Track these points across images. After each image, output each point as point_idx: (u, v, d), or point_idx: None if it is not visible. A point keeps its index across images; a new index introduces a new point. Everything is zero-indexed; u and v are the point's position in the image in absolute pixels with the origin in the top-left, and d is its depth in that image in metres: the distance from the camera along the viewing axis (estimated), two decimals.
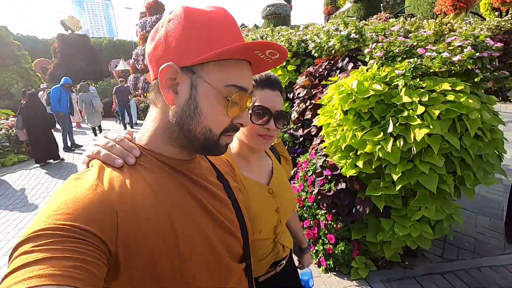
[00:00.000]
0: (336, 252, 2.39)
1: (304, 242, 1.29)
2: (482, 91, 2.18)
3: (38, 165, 6.23)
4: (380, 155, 1.93)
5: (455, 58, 1.87)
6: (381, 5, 14.05)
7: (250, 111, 0.90)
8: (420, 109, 1.83)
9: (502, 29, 6.56)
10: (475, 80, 1.96)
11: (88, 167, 0.54)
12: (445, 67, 1.92)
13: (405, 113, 1.91)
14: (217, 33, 0.52)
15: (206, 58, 0.50)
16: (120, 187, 0.49)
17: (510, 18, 6.69)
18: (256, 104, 0.92)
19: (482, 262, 2.42)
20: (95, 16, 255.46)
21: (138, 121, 10.77)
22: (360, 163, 2.06)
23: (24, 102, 6.20)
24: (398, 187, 1.93)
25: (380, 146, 1.94)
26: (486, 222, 2.92)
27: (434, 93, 1.90)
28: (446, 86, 1.85)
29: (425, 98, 1.85)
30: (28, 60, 18.89)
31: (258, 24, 30.47)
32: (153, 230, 0.49)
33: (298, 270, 1.25)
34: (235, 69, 0.54)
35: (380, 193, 2.04)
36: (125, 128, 9.64)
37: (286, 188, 1.08)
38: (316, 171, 2.45)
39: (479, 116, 1.79)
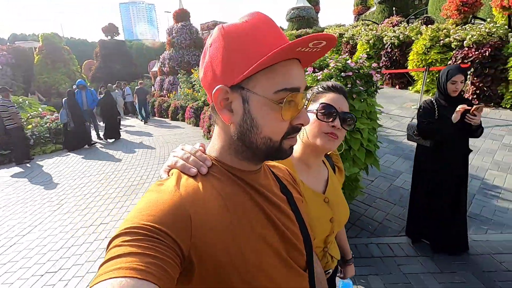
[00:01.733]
0: None
1: (349, 254, 1.29)
2: (361, 100, 2.71)
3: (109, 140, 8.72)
4: None
5: (319, 77, 2.48)
6: (394, 8, 13.92)
7: (316, 110, 0.95)
8: None
9: (493, 35, 6.60)
10: None
11: (168, 175, 0.59)
12: (314, 84, 2.53)
13: None
14: (256, 43, 0.53)
15: (249, 72, 0.51)
16: (194, 194, 0.52)
17: (501, 25, 6.71)
18: (321, 102, 0.96)
19: (372, 240, 2.96)
20: (139, 19, 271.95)
21: (155, 118, 12.08)
22: None
23: (101, 96, 8.73)
24: None
25: None
26: (399, 212, 3.39)
27: None
28: None
29: None
30: (75, 63, 21.42)
31: (284, 27, 30.95)
32: (220, 238, 0.51)
33: (339, 279, 1.28)
34: (282, 72, 0.54)
35: None
36: (145, 123, 10.96)
37: (341, 199, 1.09)
38: None
39: None
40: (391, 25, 11.52)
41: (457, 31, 7.30)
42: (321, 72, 2.55)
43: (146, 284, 0.39)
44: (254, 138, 0.56)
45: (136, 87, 10.77)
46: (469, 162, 4.43)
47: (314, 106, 0.98)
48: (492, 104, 6.80)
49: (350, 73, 2.50)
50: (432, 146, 2.61)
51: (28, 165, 6.99)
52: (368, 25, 11.28)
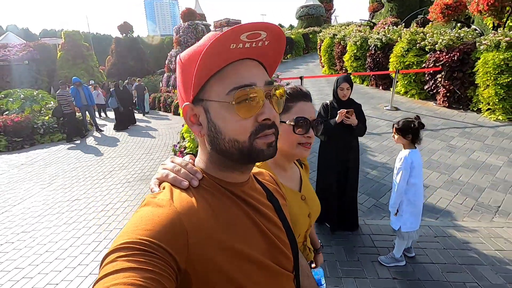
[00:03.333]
0: None
1: (317, 243, 1.35)
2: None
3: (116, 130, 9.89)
4: None
5: None
6: (389, 8, 13.90)
7: (291, 124, 0.98)
8: None
9: (463, 39, 6.81)
10: None
11: (160, 188, 0.59)
12: None
13: None
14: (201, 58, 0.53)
15: (195, 83, 0.54)
16: (189, 209, 0.53)
17: (472, 30, 6.88)
18: (296, 117, 0.98)
19: None
20: (163, 15, 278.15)
21: (160, 112, 12.98)
22: None
23: (115, 89, 10.14)
24: None
25: None
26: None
27: None
28: None
29: None
30: (94, 59, 22.81)
31: (294, 25, 31.13)
32: (214, 252, 0.52)
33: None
34: (231, 74, 0.55)
35: None
36: (144, 115, 11.90)
37: (313, 193, 1.15)
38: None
39: None
40: (385, 25, 11.67)
41: (433, 35, 7.50)
42: None
43: None
44: (222, 143, 0.56)
45: (134, 84, 11.72)
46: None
47: (286, 118, 1.01)
48: (461, 107, 7.00)
49: None
50: (326, 140, 3.11)
51: (44, 149, 8.00)
52: (360, 25, 11.48)
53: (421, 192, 2.49)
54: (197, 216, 0.52)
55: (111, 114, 13.08)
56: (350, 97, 3.01)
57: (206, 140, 0.59)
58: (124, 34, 21.62)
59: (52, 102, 10.81)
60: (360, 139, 5.93)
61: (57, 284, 2.73)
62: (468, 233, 3.04)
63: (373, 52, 9.15)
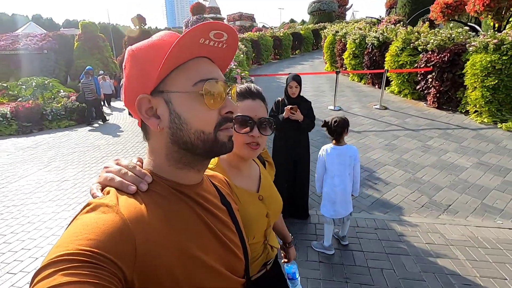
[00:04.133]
0: None
1: (288, 237, 1.33)
2: None
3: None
4: None
5: None
6: (402, 5, 13.63)
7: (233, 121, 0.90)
8: None
9: (454, 40, 6.78)
10: None
11: (103, 194, 0.54)
12: None
13: None
14: (163, 48, 0.54)
15: (161, 71, 0.53)
16: (137, 215, 0.50)
17: (464, 31, 6.83)
18: (238, 114, 0.95)
19: None
20: (182, 7, 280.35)
21: None
22: None
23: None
24: None
25: None
26: None
27: None
28: None
29: None
30: (109, 50, 23.59)
31: (306, 20, 30.82)
32: (165, 260, 0.50)
33: (284, 263, 1.32)
34: (195, 68, 0.56)
35: None
36: None
37: (273, 192, 1.13)
38: None
39: None
40: (389, 23, 11.55)
41: (427, 35, 7.45)
42: None
43: None
44: (187, 135, 0.56)
45: None
46: (375, 158, 5.00)
47: None
48: (450, 108, 6.97)
49: None
50: (277, 134, 3.34)
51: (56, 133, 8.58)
52: (369, 23, 11.41)
53: (337, 187, 2.64)
54: (146, 223, 0.50)
55: (116, 105, 13.70)
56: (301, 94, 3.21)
57: (167, 133, 0.57)
58: (137, 27, 22.22)
59: (62, 90, 11.44)
60: None
61: (29, 249, 3.13)
62: (409, 227, 3.20)
63: (370, 50, 9.15)
